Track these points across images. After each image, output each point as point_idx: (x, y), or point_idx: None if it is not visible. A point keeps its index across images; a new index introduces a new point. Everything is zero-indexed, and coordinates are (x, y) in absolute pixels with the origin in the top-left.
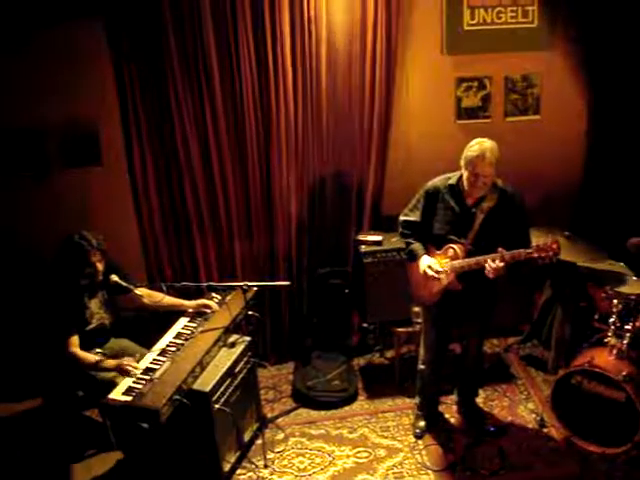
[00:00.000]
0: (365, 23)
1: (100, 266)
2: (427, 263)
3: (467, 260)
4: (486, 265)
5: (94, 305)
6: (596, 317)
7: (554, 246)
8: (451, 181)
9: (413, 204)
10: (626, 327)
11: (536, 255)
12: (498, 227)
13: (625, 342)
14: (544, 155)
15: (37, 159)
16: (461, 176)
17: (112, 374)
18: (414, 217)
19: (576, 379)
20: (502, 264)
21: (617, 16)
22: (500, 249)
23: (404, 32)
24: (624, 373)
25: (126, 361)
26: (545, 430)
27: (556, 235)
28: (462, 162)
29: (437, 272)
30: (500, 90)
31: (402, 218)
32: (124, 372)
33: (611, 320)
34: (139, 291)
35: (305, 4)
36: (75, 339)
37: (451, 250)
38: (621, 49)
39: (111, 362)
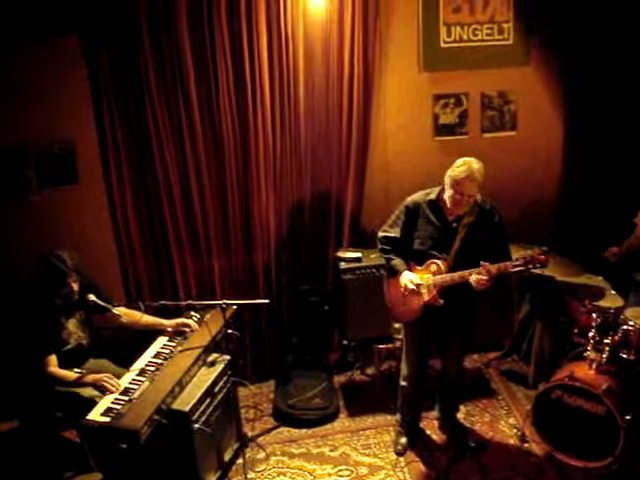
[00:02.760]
0: (343, 41)
1: (75, 286)
2: (408, 277)
3: (451, 275)
4: (471, 279)
5: (71, 325)
6: (575, 331)
7: (542, 258)
8: (431, 197)
9: (393, 220)
10: (605, 341)
11: (523, 268)
12: (478, 242)
13: (604, 356)
14: (521, 171)
15: (15, 179)
16: (440, 191)
17: (92, 393)
18: (394, 233)
19: (556, 393)
20: (487, 277)
21: (592, 33)
22: (484, 263)
23: (381, 50)
24: (604, 387)
25: (106, 376)
26: (526, 445)
27: (534, 249)
28: (447, 180)
29: (418, 285)
30: (477, 107)
31: (381, 234)
32: (103, 388)
33: (590, 334)
34: (117, 310)
35: (282, 22)
36: (53, 358)
37: (434, 265)
38: (597, 65)
39: (91, 377)
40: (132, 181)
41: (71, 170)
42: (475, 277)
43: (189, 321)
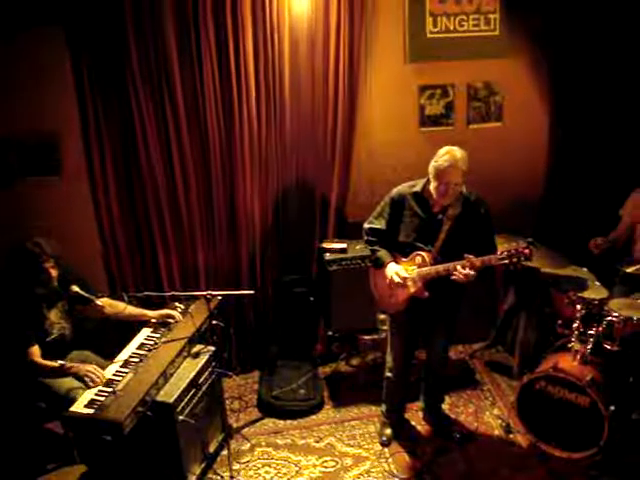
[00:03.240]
0: (328, 32)
1: (53, 272)
2: (394, 270)
3: (436, 267)
4: (456, 272)
5: (54, 315)
6: (559, 322)
7: (526, 251)
8: (416, 188)
9: (378, 212)
10: (589, 332)
11: (507, 261)
12: (464, 234)
13: (589, 347)
14: (507, 162)
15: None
16: (426, 183)
17: (71, 383)
18: (379, 225)
19: (540, 384)
20: (472, 270)
21: (579, 24)
22: (468, 256)
23: (367, 40)
24: (588, 378)
25: (91, 367)
26: (511, 436)
27: (519, 241)
28: (431, 171)
29: (404, 279)
30: (463, 98)
31: (367, 226)
32: (89, 379)
33: (574, 325)
34: (100, 301)
35: (268, 13)
36: (35, 349)
37: (419, 257)
38: (583, 57)
39: (75, 366)
40: (116, 173)
41: (54, 161)
42: (459, 270)
43: (173, 312)
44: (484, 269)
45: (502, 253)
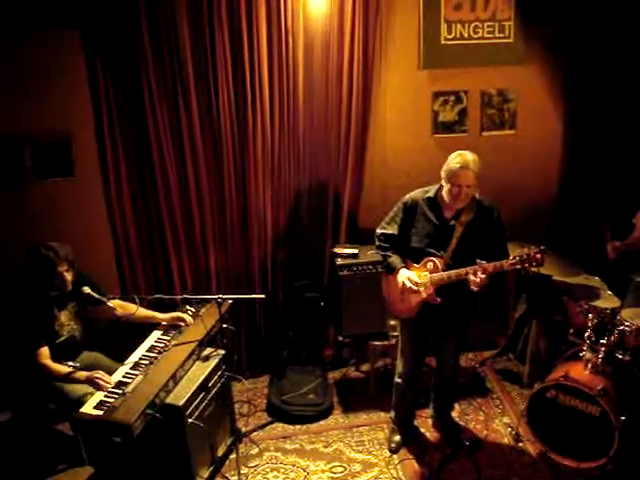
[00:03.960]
0: (343, 36)
1: (68, 276)
2: (406, 275)
3: (447, 272)
4: (469, 277)
5: (64, 317)
6: (571, 331)
7: (538, 256)
8: (429, 194)
9: (391, 217)
10: (601, 341)
11: (519, 266)
12: (476, 240)
13: (600, 356)
14: (520, 170)
15: (12, 168)
16: (439, 189)
17: (84, 388)
18: (392, 230)
19: (551, 393)
20: (484, 275)
21: (594, 32)
22: (480, 261)
23: (381, 45)
24: (599, 387)
25: (98, 374)
26: (520, 444)
27: (531, 248)
28: (443, 174)
29: (416, 284)
30: (477, 105)
31: (379, 231)
32: (95, 385)
33: (586, 334)
34: (112, 303)
35: (282, 16)
36: (45, 350)
37: (430, 263)
38: (597, 64)
39: (83, 374)
40: (129, 174)
41: (68, 162)
42: (471, 275)
43: (184, 315)
44: (496, 276)
45: (514, 258)
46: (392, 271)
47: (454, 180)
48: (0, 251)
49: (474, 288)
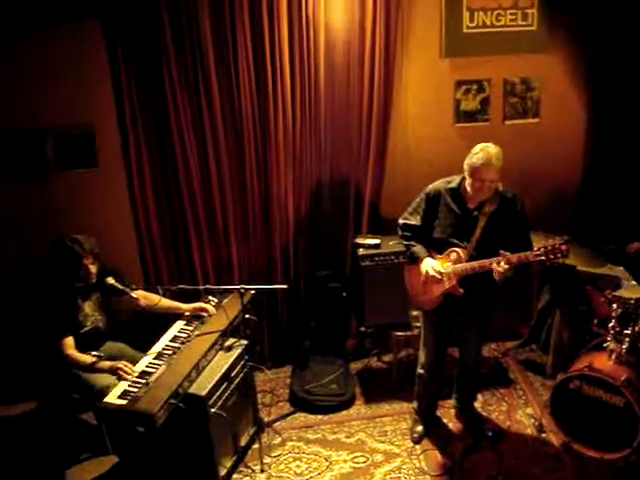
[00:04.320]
0: (364, 26)
1: (93, 268)
2: (430, 264)
3: (471, 263)
4: (493, 266)
5: (88, 307)
6: (595, 321)
7: (563, 248)
8: (452, 185)
9: (413, 207)
10: (625, 332)
11: (544, 257)
12: (499, 231)
13: (624, 347)
14: (543, 159)
15: (35, 160)
16: (462, 180)
17: (108, 378)
18: (414, 221)
19: (575, 384)
20: (507, 266)
21: (617, 19)
22: (504, 252)
23: (403, 34)
24: (623, 378)
25: (122, 364)
26: (543, 435)
27: (555, 239)
28: (466, 168)
29: (439, 273)
30: (499, 93)
31: (402, 221)
32: (119, 375)
33: (610, 325)
34: (135, 294)
35: (303, 7)
36: (70, 340)
37: (454, 254)
38: (621, 51)
39: (106, 364)
40: (151, 165)
41: (91, 154)
42: (495, 266)
43: (207, 305)
44: (520, 267)
45: (539, 249)
46: (416, 260)
47: (477, 175)
48: (23, 243)
49: (497, 277)
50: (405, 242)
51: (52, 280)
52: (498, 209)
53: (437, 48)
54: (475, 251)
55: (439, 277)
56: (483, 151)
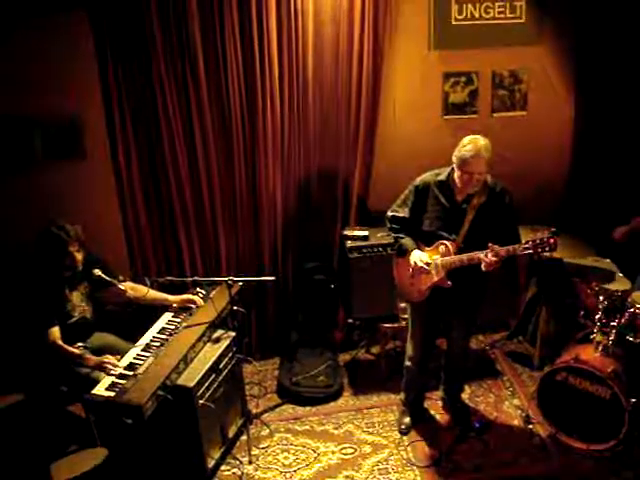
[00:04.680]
0: (352, 18)
1: (79, 256)
2: (418, 256)
3: (459, 256)
4: (481, 259)
5: (75, 298)
6: (582, 313)
7: (551, 241)
8: (441, 177)
9: (402, 200)
10: (612, 324)
11: (532, 251)
12: (488, 224)
13: (611, 339)
14: (531, 151)
15: (21, 151)
16: (451, 172)
17: (94, 371)
18: (403, 213)
19: (561, 375)
20: (495, 259)
21: (605, 12)
22: (492, 245)
23: (392, 27)
24: (609, 370)
25: (107, 359)
26: (530, 426)
27: (543, 231)
28: (455, 160)
29: (427, 264)
30: (488, 86)
31: (390, 214)
32: (104, 370)
33: (597, 317)
34: (123, 285)
35: None
36: (56, 330)
37: (442, 247)
38: (609, 45)
39: (92, 359)
40: (139, 157)
41: (78, 144)
42: (483, 258)
43: (194, 297)
44: (508, 259)
45: (527, 243)
46: (404, 253)
47: (465, 168)
48: (10, 234)
49: (484, 268)
50: (394, 234)
51: (38, 268)
52: (486, 202)
53: (426, 40)
54: (463, 244)
55: (427, 269)
56: (472, 143)
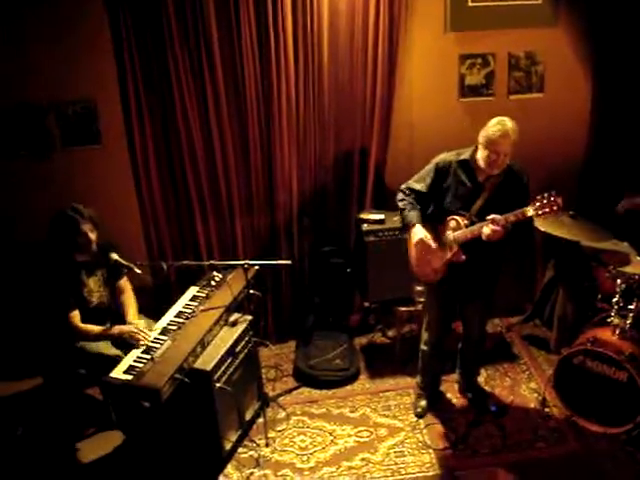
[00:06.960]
0: (368, 1)
1: (92, 235)
2: (422, 233)
3: (470, 228)
4: (483, 230)
5: (93, 283)
6: (599, 297)
7: (559, 200)
8: (464, 156)
9: (420, 176)
10: (629, 307)
11: (533, 213)
12: (502, 202)
13: (628, 322)
14: (548, 134)
15: (38, 136)
16: (473, 152)
17: (117, 352)
18: (419, 187)
19: (578, 359)
20: (497, 228)
21: None
22: (493, 215)
23: (407, 8)
24: (627, 353)
25: (135, 328)
26: (547, 410)
27: (560, 214)
28: (481, 140)
29: (428, 239)
30: (504, 67)
31: (404, 186)
32: (133, 339)
33: (614, 300)
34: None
35: None
36: (76, 314)
37: (453, 222)
38: (626, 26)
39: (119, 328)
40: (155, 142)
41: (94, 130)
42: (492, 226)
43: (137, 334)
44: (520, 229)
45: (534, 202)
46: (407, 225)
47: (493, 147)
48: (27, 219)
49: (484, 238)
50: (401, 205)
51: (53, 252)
52: (503, 180)
53: (442, 22)
54: (477, 217)
55: (433, 245)
56: (500, 123)
